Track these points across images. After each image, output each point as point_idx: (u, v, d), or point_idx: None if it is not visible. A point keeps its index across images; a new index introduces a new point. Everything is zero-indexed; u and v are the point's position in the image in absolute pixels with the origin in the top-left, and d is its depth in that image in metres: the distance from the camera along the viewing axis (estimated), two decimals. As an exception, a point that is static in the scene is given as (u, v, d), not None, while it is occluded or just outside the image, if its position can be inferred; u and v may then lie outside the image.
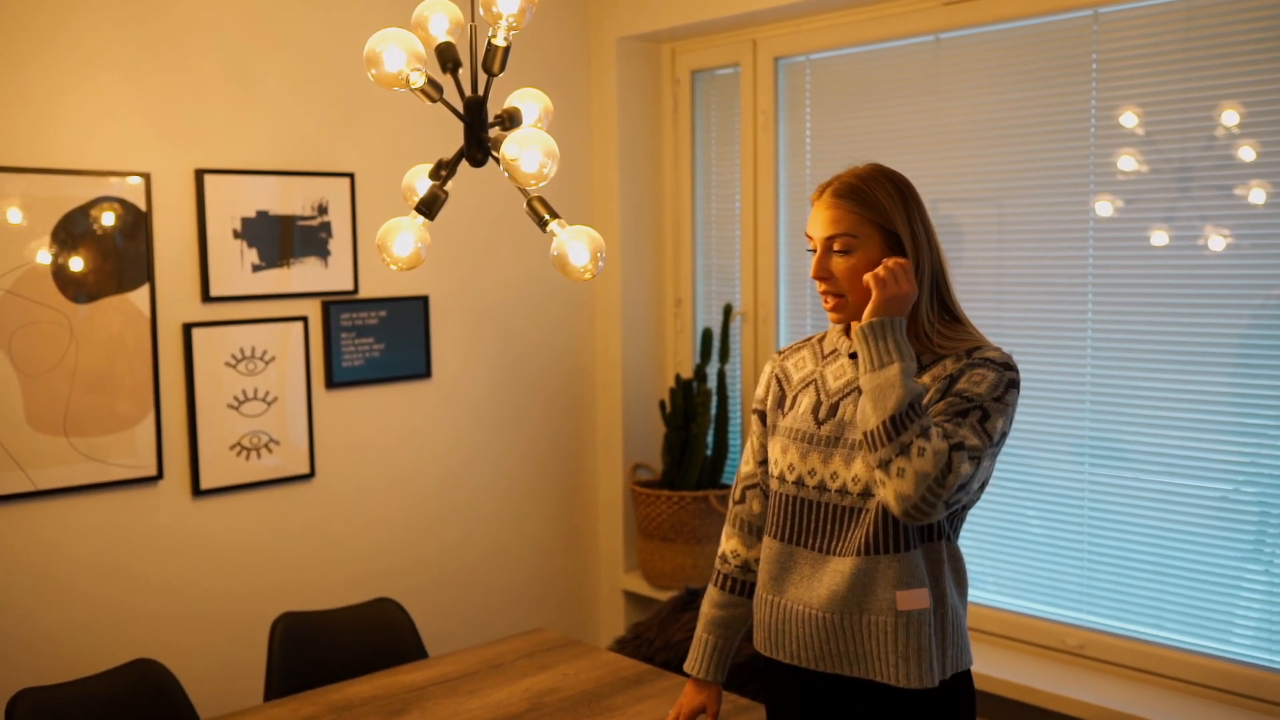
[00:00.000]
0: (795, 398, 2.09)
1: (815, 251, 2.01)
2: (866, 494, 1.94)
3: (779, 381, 2.15)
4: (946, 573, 1.97)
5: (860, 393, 1.98)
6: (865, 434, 1.87)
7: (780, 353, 2.20)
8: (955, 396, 1.90)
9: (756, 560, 2.18)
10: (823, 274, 1.99)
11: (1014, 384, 1.93)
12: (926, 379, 1.95)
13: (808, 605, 2.00)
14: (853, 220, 1.96)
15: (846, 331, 2.09)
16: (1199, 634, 2.95)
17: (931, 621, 1.94)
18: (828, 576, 1.97)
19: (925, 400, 1.91)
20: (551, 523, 4.11)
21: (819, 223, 2.00)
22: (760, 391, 2.19)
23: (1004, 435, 1.92)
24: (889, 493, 1.84)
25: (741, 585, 2.20)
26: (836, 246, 1.97)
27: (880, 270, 1.91)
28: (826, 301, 2.01)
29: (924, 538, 1.95)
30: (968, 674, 2.02)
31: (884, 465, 1.84)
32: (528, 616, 4.02)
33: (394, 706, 2.56)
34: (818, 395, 2.05)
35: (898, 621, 1.92)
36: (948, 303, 2.02)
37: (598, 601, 4.27)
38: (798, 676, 2.05)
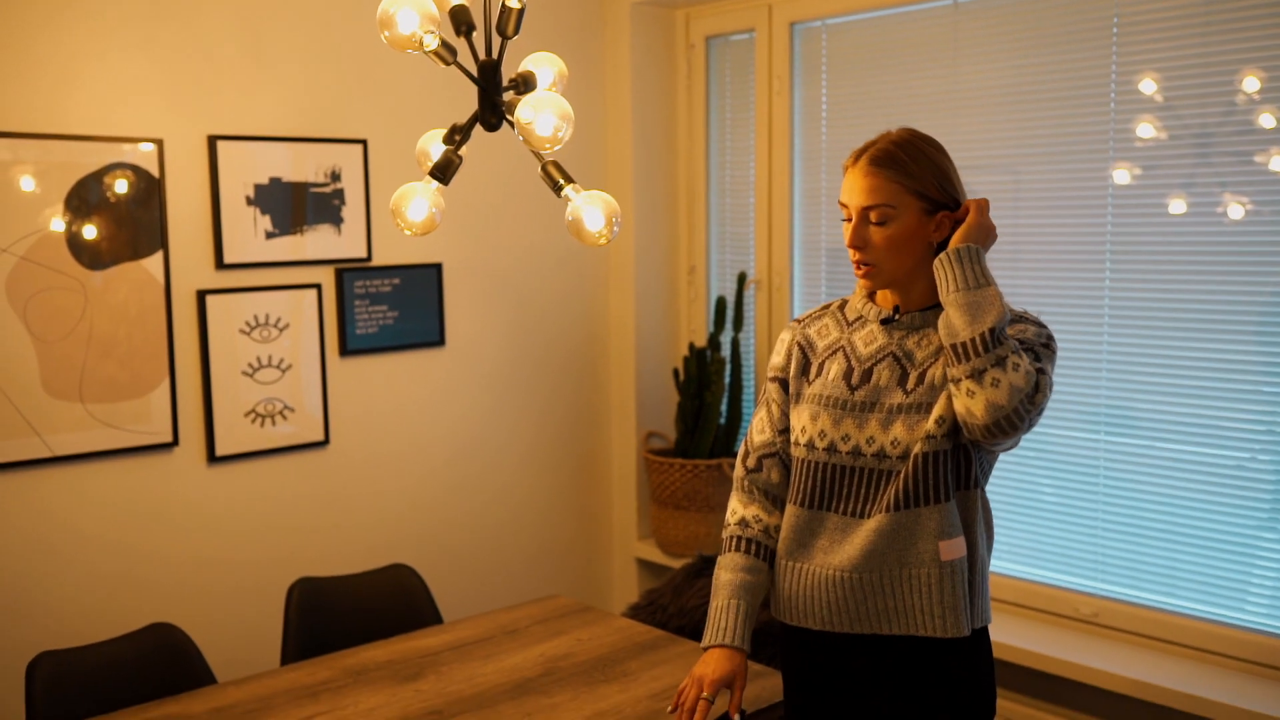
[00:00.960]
0: (822, 365, 2.07)
1: (850, 220, 1.98)
2: (906, 455, 1.94)
3: (802, 349, 2.12)
4: (979, 520, 1.99)
5: (895, 357, 1.98)
6: (954, 345, 1.86)
7: (799, 320, 2.17)
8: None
9: (777, 528, 2.13)
10: (858, 243, 1.97)
11: (1053, 338, 1.97)
12: None
13: (838, 569, 1.99)
14: (892, 189, 1.94)
15: (872, 297, 2.08)
16: (1214, 602, 2.94)
17: (966, 569, 1.96)
18: (858, 537, 1.97)
19: None
20: (565, 490, 4.12)
21: (856, 191, 1.97)
22: (779, 359, 2.15)
23: (1050, 385, 1.92)
24: (979, 402, 1.83)
25: (766, 550, 2.11)
26: (874, 217, 1.95)
27: (981, 200, 1.94)
28: (859, 269, 1.99)
29: (959, 485, 1.96)
30: (986, 630, 2.03)
31: (976, 375, 1.83)
32: (542, 583, 4.04)
33: (409, 671, 2.58)
34: (848, 361, 2.04)
35: (941, 572, 1.93)
36: None
37: (611, 568, 4.29)
38: (824, 641, 2.05)
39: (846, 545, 1.99)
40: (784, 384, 2.14)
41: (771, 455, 2.14)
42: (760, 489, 2.14)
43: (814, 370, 2.08)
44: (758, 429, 2.17)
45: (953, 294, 1.88)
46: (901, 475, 1.94)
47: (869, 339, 2.04)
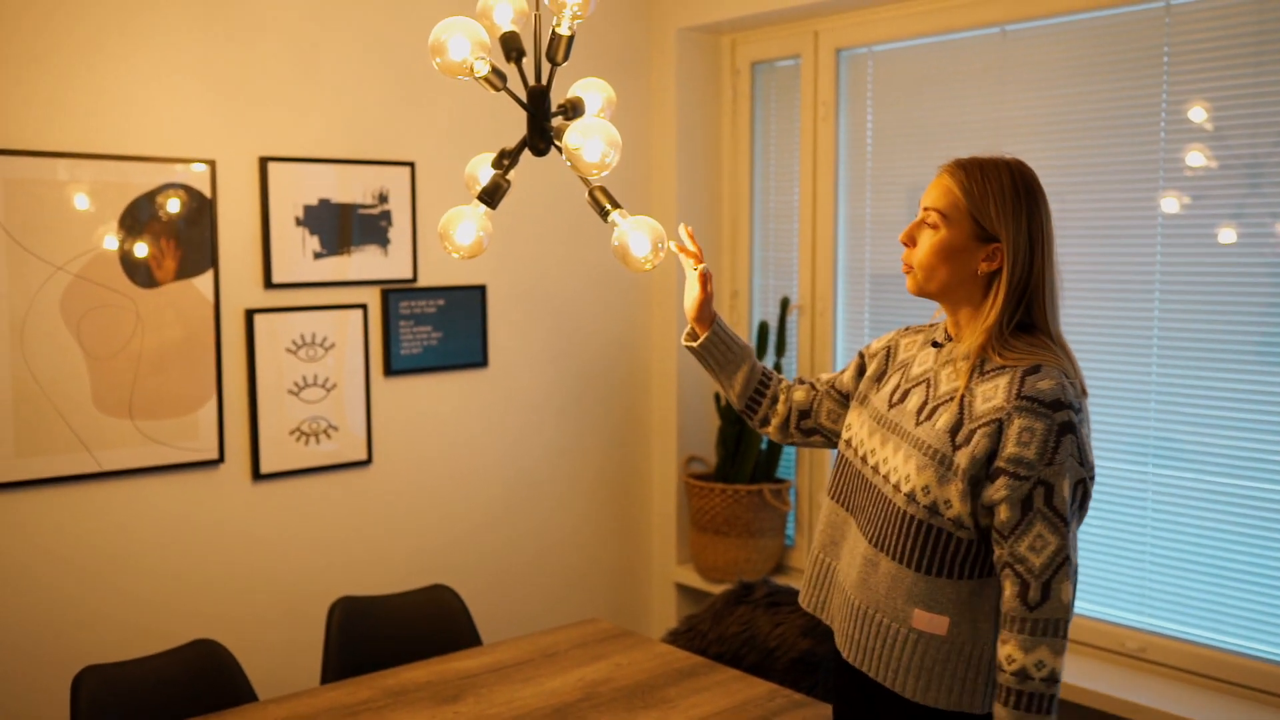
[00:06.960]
0: (889, 376, 2.09)
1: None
2: (911, 498, 1.90)
3: (888, 355, 2.14)
4: (988, 615, 1.89)
5: (928, 384, 1.98)
6: None
7: (908, 329, 2.19)
8: (1011, 473, 1.80)
9: (798, 389, 2.27)
10: (907, 240, 1.99)
11: (1067, 428, 1.79)
12: (979, 401, 1.86)
13: (842, 583, 2.03)
14: (951, 200, 1.93)
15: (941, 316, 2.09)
16: (1263, 639, 2.89)
17: (955, 651, 1.88)
18: (861, 561, 1.98)
19: (974, 447, 1.83)
20: (605, 513, 4.12)
21: (929, 189, 1.98)
22: (876, 347, 2.18)
23: (1081, 483, 1.82)
24: None
25: (778, 381, 2.27)
26: (929, 219, 1.95)
27: None
28: (905, 266, 2.01)
29: (979, 573, 1.88)
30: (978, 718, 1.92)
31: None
32: (580, 606, 4.03)
33: (449, 693, 2.58)
34: (900, 380, 2.05)
35: (909, 635, 1.90)
36: (1036, 318, 1.92)
37: (650, 593, 4.27)
38: (839, 657, 2.10)
39: (854, 562, 2.00)
40: (861, 368, 2.19)
41: (811, 386, 2.27)
42: (796, 382, 2.29)
43: (885, 380, 2.10)
44: (826, 373, 2.30)
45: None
46: (919, 535, 1.88)
47: (923, 361, 2.04)
